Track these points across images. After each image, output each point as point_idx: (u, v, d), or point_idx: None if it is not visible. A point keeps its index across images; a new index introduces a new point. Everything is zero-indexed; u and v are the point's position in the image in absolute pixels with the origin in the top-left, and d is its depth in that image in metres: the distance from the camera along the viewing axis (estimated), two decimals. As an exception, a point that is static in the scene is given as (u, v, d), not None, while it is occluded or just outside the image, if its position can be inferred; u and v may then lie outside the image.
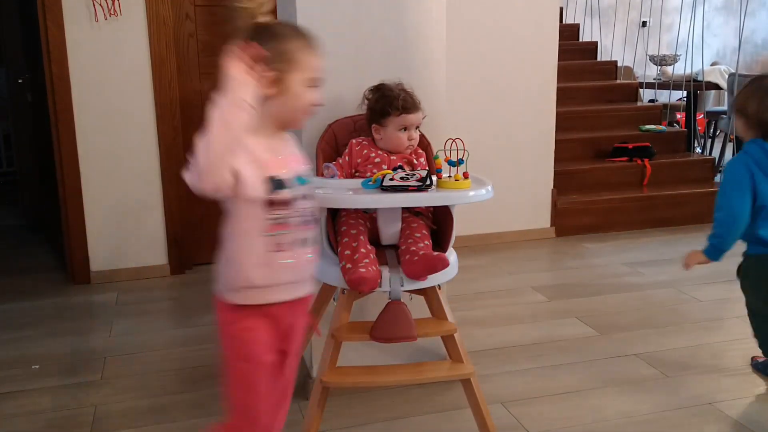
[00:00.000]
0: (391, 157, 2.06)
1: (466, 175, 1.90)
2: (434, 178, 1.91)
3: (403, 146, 2.07)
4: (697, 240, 4.02)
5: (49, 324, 3.01)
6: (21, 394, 2.39)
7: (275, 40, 1.39)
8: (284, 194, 1.40)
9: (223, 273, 1.45)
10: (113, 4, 3.25)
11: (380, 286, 1.84)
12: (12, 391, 2.41)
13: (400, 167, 2.03)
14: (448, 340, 1.99)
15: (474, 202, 1.88)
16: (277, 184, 1.39)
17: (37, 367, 2.59)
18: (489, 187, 1.90)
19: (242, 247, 1.41)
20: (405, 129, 2.05)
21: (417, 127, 2.08)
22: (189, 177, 1.34)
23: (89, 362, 2.63)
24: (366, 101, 2.10)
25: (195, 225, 3.68)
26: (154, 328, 2.97)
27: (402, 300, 1.87)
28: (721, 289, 3.20)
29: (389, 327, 1.85)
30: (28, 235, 4.44)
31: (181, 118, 3.52)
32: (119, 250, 3.51)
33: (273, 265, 1.42)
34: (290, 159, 1.46)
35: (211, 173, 1.31)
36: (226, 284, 1.45)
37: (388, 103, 2.04)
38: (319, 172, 2.07)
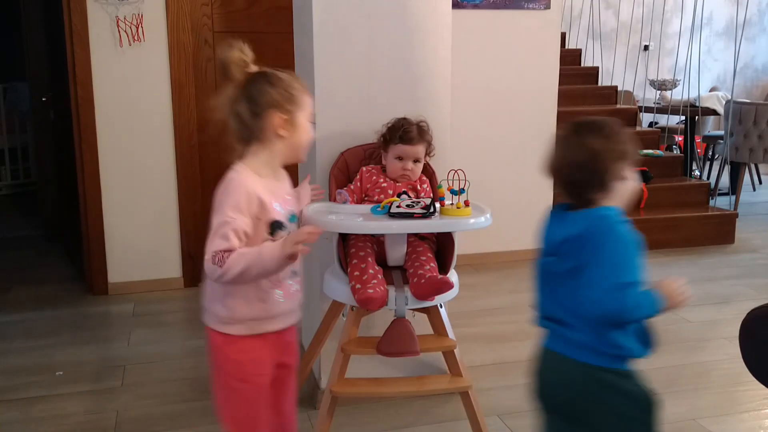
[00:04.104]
0: (396, 183, 2.22)
1: (467, 203, 2.06)
2: (437, 205, 2.07)
3: (397, 174, 2.22)
4: (691, 263, 4.20)
5: (70, 333, 3.17)
6: (47, 398, 2.55)
7: (281, 85, 1.52)
8: (282, 234, 1.51)
9: (216, 308, 1.54)
10: (137, 30, 3.43)
11: (387, 305, 2.00)
12: (38, 396, 2.57)
13: (405, 193, 2.19)
14: (449, 355, 2.14)
15: (474, 229, 2.04)
16: (277, 225, 1.51)
17: (61, 373, 2.75)
18: (488, 215, 2.06)
19: (243, 286, 1.50)
20: (401, 159, 2.20)
21: (416, 161, 2.21)
22: (210, 270, 1.44)
23: (110, 370, 2.79)
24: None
25: (209, 240, 3.84)
26: (170, 338, 3.12)
27: (406, 317, 2.02)
28: (710, 311, 3.35)
29: (394, 342, 2.00)
30: (47, 245, 4.60)
31: (198, 139, 3.69)
32: (136, 262, 3.67)
33: (269, 299, 1.54)
34: (287, 198, 1.58)
35: (236, 282, 1.46)
36: (219, 318, 1.54)
37: (391, 132, 2.21)
38: (332, 197, 2.23)
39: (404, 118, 2.23)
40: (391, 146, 2.20)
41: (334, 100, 2.33)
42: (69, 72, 3.46)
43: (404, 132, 2.19)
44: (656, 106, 6.18)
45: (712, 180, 5.77)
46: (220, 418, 1.61)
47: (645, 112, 6.14)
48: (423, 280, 1.99)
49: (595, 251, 1.36)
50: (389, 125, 2.23)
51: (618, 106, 5.76)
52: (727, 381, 2.63)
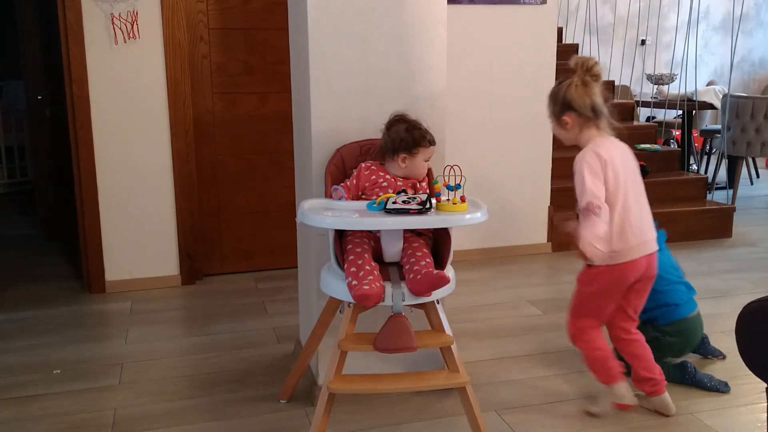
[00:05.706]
0: (398, 182, 2.21)
1: (463, 199, 2.06)
2: (434, 201, 2.07)
3: (424, 174, 2.25)
4: (689, 257, 4.19)
5: (68, 331, 3.17)
6: (45, 397, 2.55)
7: None
8: None
9: None
10: (132, 27, 3.42)
11: (383, 301, 1.99)
12: (36, 394, 2.57)
13: (404, 191, 2.18)
14: (446, 351, 2.14)
15: (470, 224, 2.03)
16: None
17: (58, 371, 2.75)
18: (484, 211, 2.05)
19: None
20: (427, 159, 2.24)
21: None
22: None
23: (107, 368, 2.78)
24: (388, 131, 2.22)
25: (206, 238, 3.84)
26: (168, 336, 3.12)
27: (403, 313, 2.02)
28: (708, 305, 3.33)
29: (391, 338, 2.00)
30: (44, 244, 4.59)
31: (194, 135, 3.68)
32: (133, 260, 3.67)
33: None
34: None
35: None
36: None
37: (421, 136, 2.20)
38: (327, 194, 2.23)
39: (411, 119, 2.22)
40: (421, 149, 2.20)
41: (330, 96, 2.32)
42: (64, 70, 3.45)
43: (427, 133, 2.21)
44: (653, 100, 6.17)
45: (710, 174, 5.77)
46: None
47: (642, 106, 6.13)
48: (419, 276, 1.98)
49: None
50: (409, 128, 2.19)
51: (615, 100, 5.76)
52: (725, 375, 2.62)
